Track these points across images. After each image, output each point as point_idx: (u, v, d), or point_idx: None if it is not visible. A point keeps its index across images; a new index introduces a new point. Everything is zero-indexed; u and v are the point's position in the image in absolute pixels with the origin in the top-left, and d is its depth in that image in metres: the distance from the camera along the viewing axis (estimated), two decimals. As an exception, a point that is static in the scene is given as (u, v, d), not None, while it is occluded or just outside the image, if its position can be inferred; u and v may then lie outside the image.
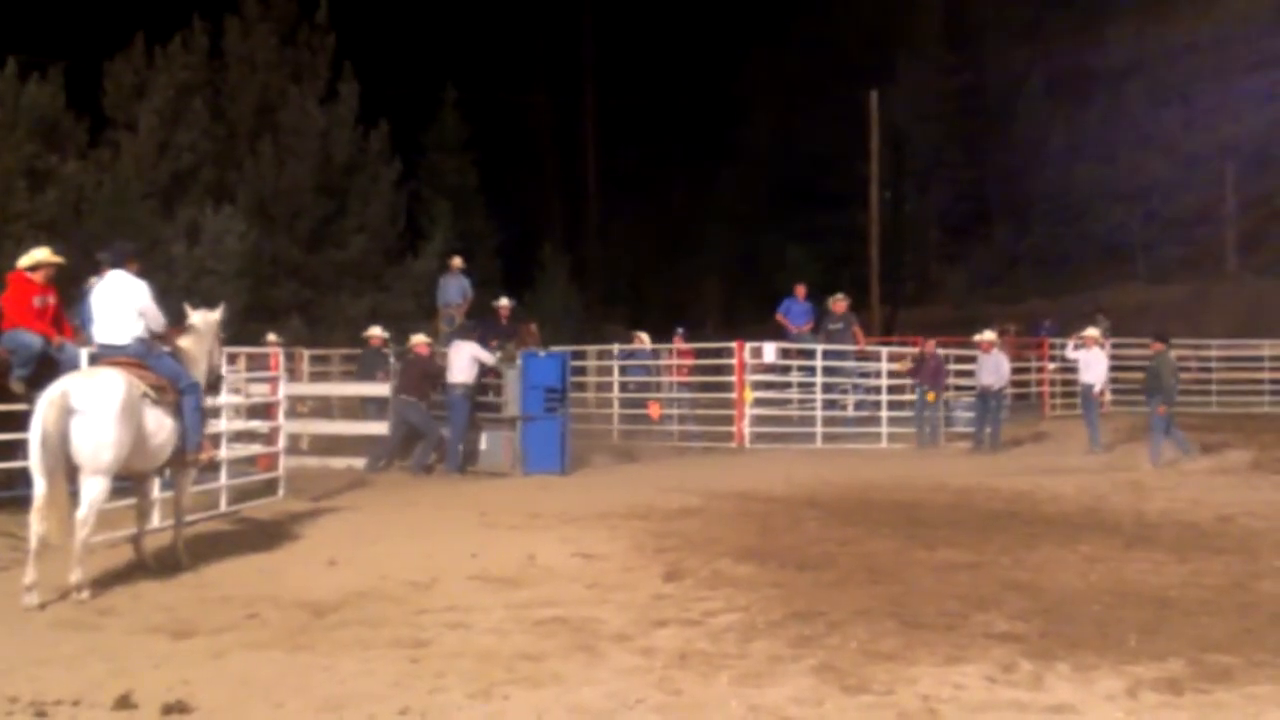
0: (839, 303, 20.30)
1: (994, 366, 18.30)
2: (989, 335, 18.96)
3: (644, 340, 20.58)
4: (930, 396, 18.74)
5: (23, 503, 8.42)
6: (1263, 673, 5.93)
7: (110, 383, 7.93)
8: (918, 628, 6.80)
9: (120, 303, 8.52)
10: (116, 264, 8.76)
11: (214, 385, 9.70)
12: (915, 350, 19.75)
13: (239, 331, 17.89)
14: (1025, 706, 5.43)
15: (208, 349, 9.28)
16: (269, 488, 12.32)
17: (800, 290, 20.95)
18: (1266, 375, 24.09)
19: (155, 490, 9.61)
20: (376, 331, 17.73)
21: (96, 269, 10.51)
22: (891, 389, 20.05)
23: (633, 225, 42.06)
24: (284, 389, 13.01)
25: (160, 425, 8.34)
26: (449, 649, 6.39)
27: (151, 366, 8.49)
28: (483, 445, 15.46)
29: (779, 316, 20.74)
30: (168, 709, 5.32)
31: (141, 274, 8.81)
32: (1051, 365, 23.50)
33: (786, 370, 19.83)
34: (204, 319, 9.31)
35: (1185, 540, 10.00)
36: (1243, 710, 5.42)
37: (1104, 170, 37.45)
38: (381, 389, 16.02)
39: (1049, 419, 22.49)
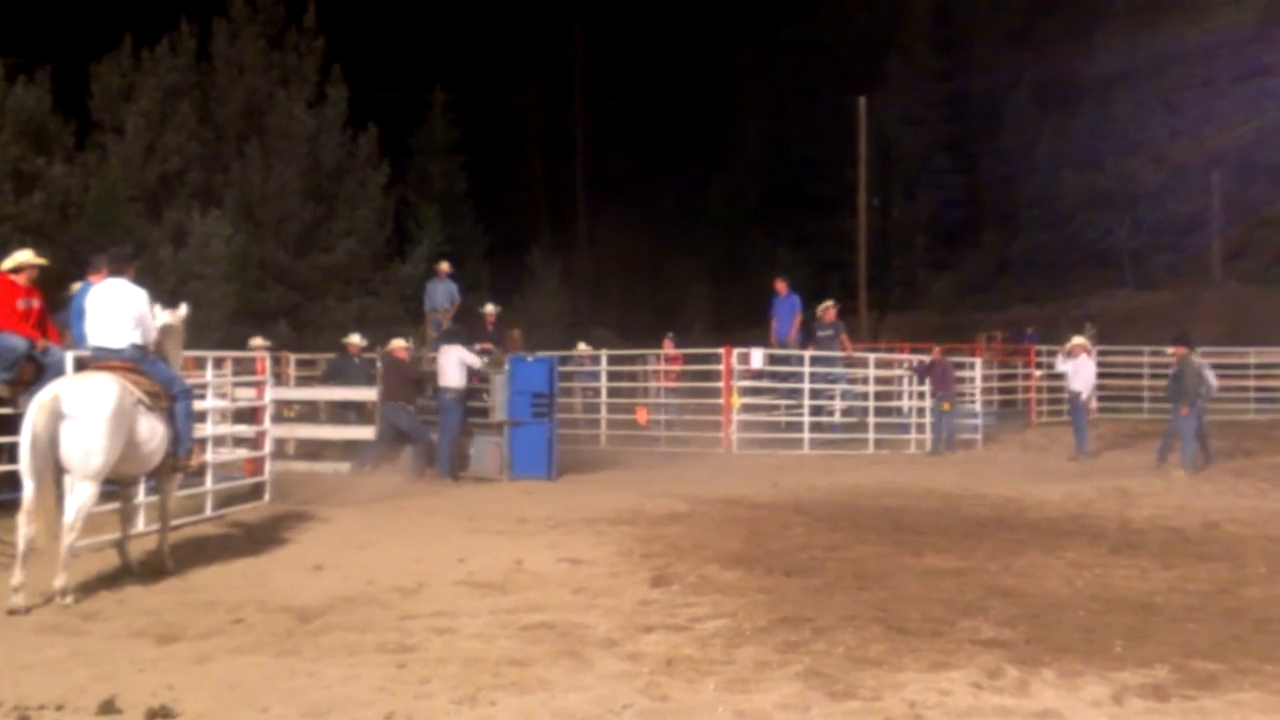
0: (828, 310, 20.27)
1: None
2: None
3: (584, 349, 21.32)
4: (945, 406, 19.28)
5: (10, 506, 8.39)
6: (1248, 679, 5.95)
7: (102, 388, 7.90)
8: (904, 634, 6.81)
9: (118, 308, 8.47)
10: (115, 269, 8.72)
11: None
12: (924, 358, 20.44)
13: (226, 335, 17.88)
14: (1011, 712, 5.43)
15: (176, 350, 9.24)
16: (255, 492, 12.28)
17: (781, 285, 20.47)
18: (1252, 383, 24.20)
19: (140, 494, 9.58)
20: (355, 339, 17.64)
21: (84, 271, 10.49)
22: (879, 395, 20.12)
23: (621, 230, 42.03)
24: (270, 393, 12.96)
25: (153, 432, 8.33)
26: (435, 654, 6.37)
27: (145, 372, 8.46)
28: (470, 450, 15.43)
29: (772, 322, 20.58)
30: (152, 714, 5.30)
31: (135, 279, 8.77)
32: (1038, 372, 23.58)
33: (775, 376, 19.83)
34: (174, 318, 9.24)
35: (1171, 546, 10.03)
36: (1228, 717, 5.44)
37: (1092, 177, 37.57)
38: (366, 394, 15.95)
39: (1035, 426, 22.57)
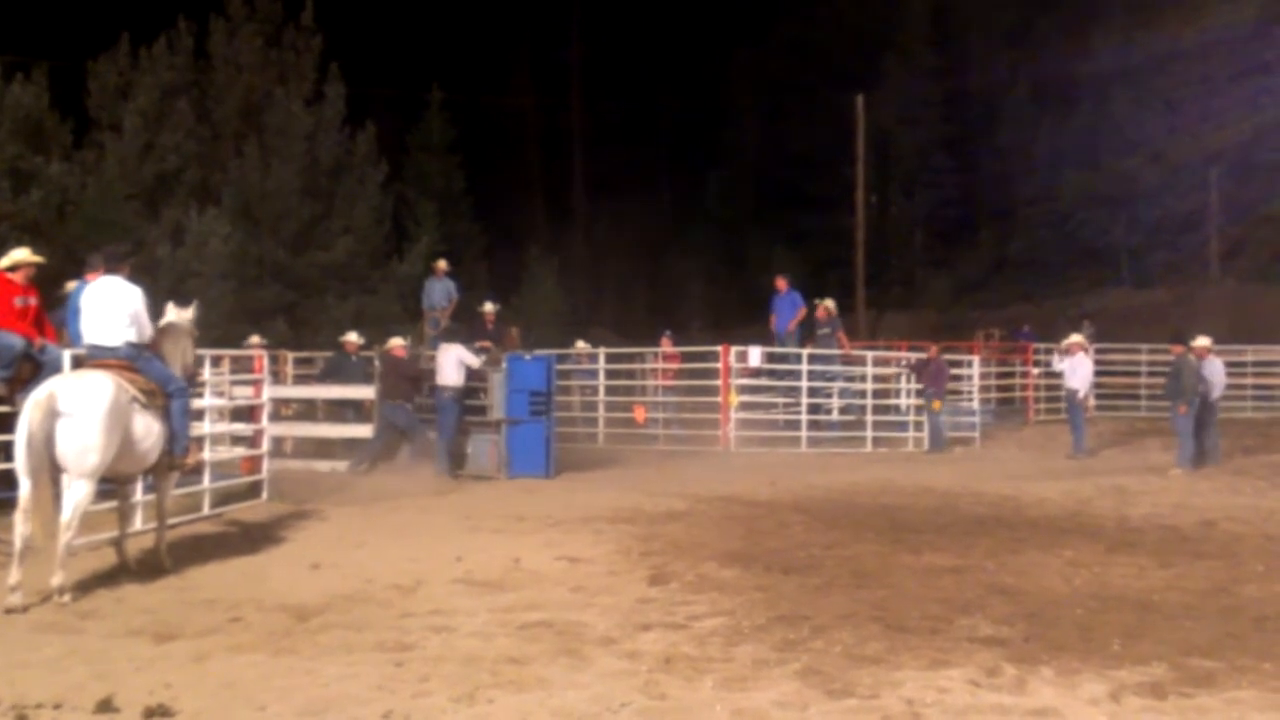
0: (820, 307, 20.24)
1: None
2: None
3: (583, 347, 21.35)
4: (936, 405, 19.23)
5: (7, 505, 8.38)
6: (1245, 677, 5.95)
7: (98, 386, 7.89)
8: (902, 632, 6.81)
9: (113, 306, 8.46)
10: (111, 268, 8.71)
11: (190, 385, 9.63)
12: (922, 355, 20.40)
13: (223, 333, 17.85)
14: (1008, 710, 5.43)
15: (182, 348, 9.22)
16: (253, 490, 12.27)
17: (781, 283, 20.35)
18: (1249, 380, 24.18)
19: (138, 493, 9.57)
20: (353, 337, 17.61)
21: (81, 270, 10.47)
22: (877, 394, 20.11)
23: (619, 228, 42.03)
24: (268, 391, 12.95)
25: (148, 430, 8.32)
26: (433, 653, 6.37)
27: (141, 370, 8.45)
28: (468, 448, 15.42)
29: (771, 317, 20.54)
30: (149, 712, 5.30)
31: (131, 277, 8.76)
32: (1035, 370, 23.59)
33: (772, 374, 19.82)
34: (179, 316, 9.26)
35: (1168, 545, 10.04)
36: (1225, 714, 5.44)
37: (1089, 176, 37.64)
38: (364, 392, 15.93)
39: (1033, 424, 22.57)
